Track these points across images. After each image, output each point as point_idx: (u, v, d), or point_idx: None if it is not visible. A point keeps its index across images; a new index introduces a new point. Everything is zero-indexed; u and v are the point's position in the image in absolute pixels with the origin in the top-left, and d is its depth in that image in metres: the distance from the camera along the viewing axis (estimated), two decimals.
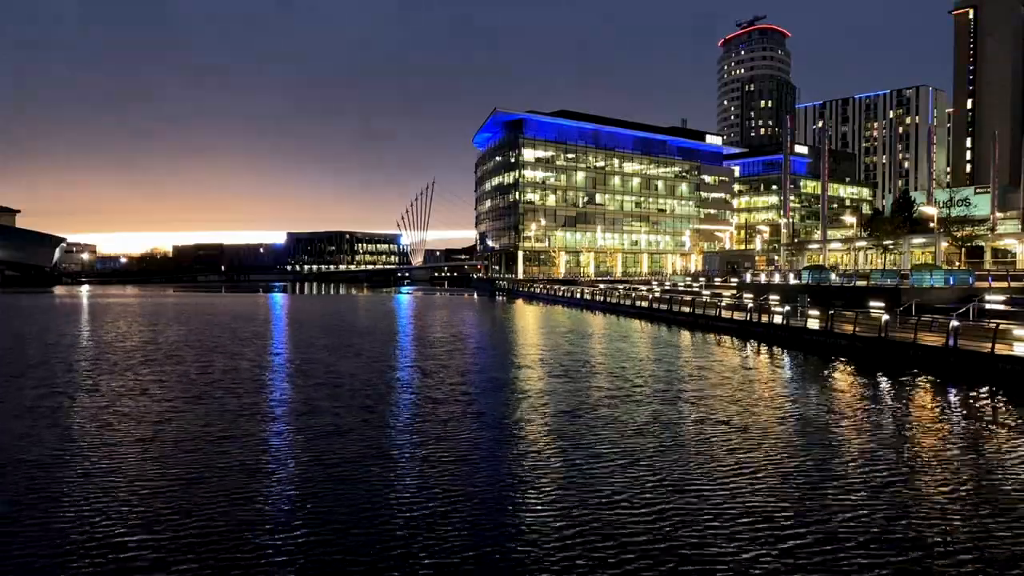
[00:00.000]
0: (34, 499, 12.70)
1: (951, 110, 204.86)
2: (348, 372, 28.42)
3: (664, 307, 56.89)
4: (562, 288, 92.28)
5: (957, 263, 79.07)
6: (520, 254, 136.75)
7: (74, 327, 49.68)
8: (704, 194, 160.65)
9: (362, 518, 11.86)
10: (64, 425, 18.71)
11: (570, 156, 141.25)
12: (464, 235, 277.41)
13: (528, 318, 62.84)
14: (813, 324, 38.82)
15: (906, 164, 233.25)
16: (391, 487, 13.53)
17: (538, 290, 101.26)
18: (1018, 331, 27.87)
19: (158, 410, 20.72)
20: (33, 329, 48.44)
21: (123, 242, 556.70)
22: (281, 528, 11.40)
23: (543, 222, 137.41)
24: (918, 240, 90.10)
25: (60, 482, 13.71)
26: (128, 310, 70.85)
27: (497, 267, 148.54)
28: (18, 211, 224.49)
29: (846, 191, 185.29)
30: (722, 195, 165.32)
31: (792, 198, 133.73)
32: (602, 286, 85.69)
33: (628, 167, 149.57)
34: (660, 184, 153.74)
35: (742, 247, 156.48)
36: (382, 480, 13.97)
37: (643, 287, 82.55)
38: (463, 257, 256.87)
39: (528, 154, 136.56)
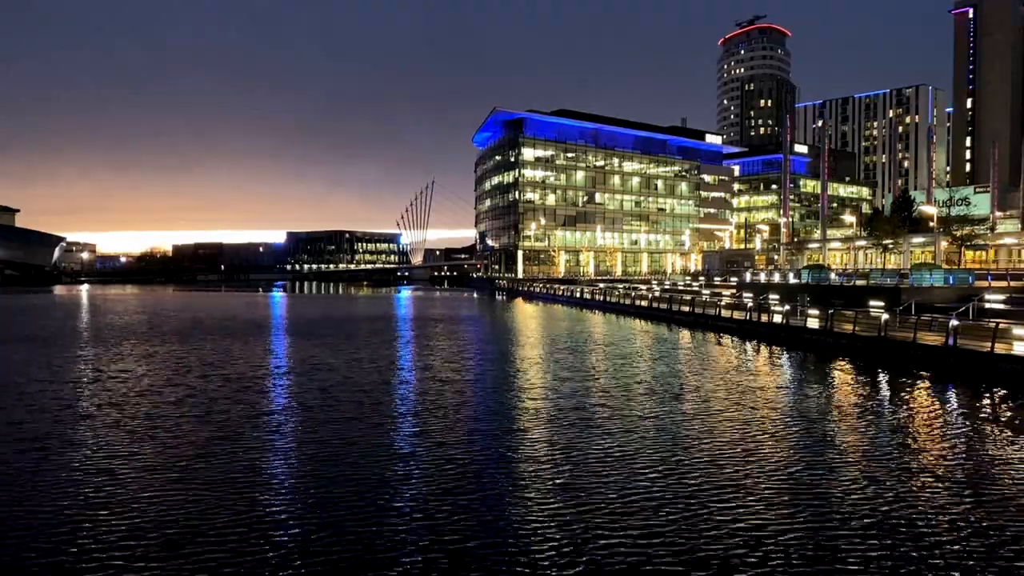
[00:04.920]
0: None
1: (951, 110, 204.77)
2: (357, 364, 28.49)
3: (664, 306, 56.86)
4: (562, 287, 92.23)
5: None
6: (520, 253, 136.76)
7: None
8: (704, 193, 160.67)
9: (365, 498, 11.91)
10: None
11: (570, 155, 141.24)
12: (464, 235, 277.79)
13: (528, 317, 62.81)
14: (813, 323, 38.82)
15: (906, 164, 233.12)
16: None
17: (538, 289, 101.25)
18: (1018, 330, 27.85)
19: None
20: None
21: (123, 241, 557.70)
22: (283, 520, 11.45)
23: (543, 221, 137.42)
24: (918, 239, 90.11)
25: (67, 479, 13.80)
26: (133, 314, 70.86)
27: (497, 266, 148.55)
28: (17, 210, 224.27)
29: (846, 190, 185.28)
30: (722, 194, 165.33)
31: (792, 197, 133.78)
32: (602, 285, 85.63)
33: (628, 166, 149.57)
34: (660, 183, 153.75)
35: (742, 246, 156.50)
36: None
37: (643, 286, 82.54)
38: (463, 256, 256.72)
39: (528, 153, 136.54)
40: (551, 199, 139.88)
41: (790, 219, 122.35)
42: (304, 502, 12.54)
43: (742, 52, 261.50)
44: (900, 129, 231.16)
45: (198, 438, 17.14)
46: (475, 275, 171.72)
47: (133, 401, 21.83)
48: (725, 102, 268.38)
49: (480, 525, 11.48)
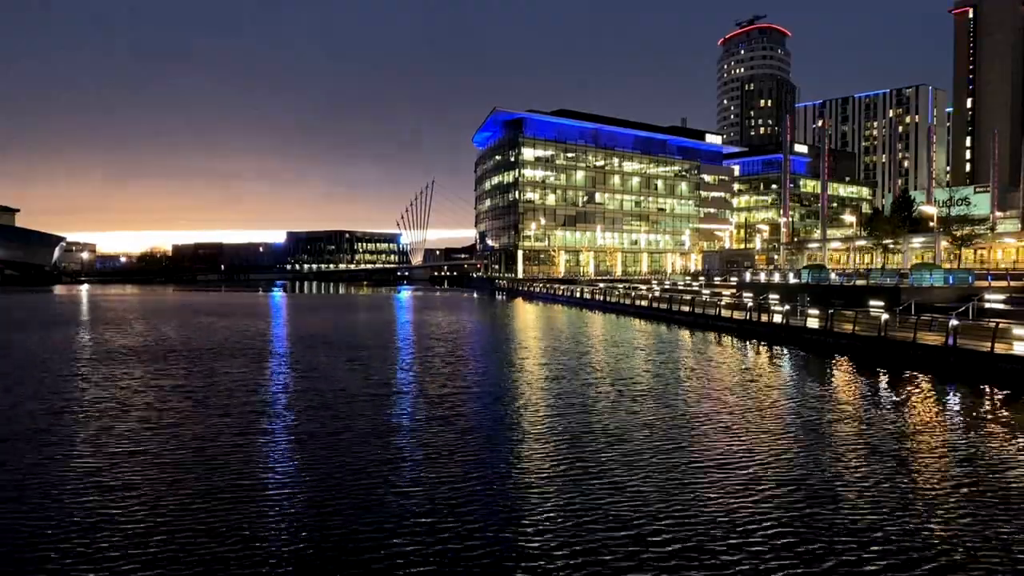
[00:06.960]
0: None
1: (951, 110, 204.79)
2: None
3: (664, 306, 56.86)
4: (562, 287, 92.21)
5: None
6: (520, 253, 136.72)
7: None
8: (704, 193, 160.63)
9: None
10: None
11: (570, 155, 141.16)
12: (464, 234, 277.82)
13: (528, 317, 62.82)
14: (813, 323, 38.83)
15: (906, 163, 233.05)
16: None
17: (538, 289, 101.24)
18: (1017, 330, 27.85)
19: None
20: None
21: (123, 241, 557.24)
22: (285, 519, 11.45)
23: (543, 221, 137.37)
24: (918, 239, 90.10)
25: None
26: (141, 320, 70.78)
27: (497, 266, 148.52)
28: (17, 210, 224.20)
29: (846, 190, 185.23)
30: (722, 194, 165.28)
31: (792, 197, 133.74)
32: (602, 285, 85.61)
33: (628, 166, 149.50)
34: (660, 183, 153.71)
35: (742, 246, 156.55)
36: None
37: (643, 286, 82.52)
38: (463, 256, 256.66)
39: (528, 153, 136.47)
40: (551, 199, 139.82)
41: (790, 219, 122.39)
42: None
43: (742, 52, 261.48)
44: (900, 129, 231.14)
45: None
46: (475, 275, 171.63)
47: None
48: (725, 102, 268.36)
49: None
